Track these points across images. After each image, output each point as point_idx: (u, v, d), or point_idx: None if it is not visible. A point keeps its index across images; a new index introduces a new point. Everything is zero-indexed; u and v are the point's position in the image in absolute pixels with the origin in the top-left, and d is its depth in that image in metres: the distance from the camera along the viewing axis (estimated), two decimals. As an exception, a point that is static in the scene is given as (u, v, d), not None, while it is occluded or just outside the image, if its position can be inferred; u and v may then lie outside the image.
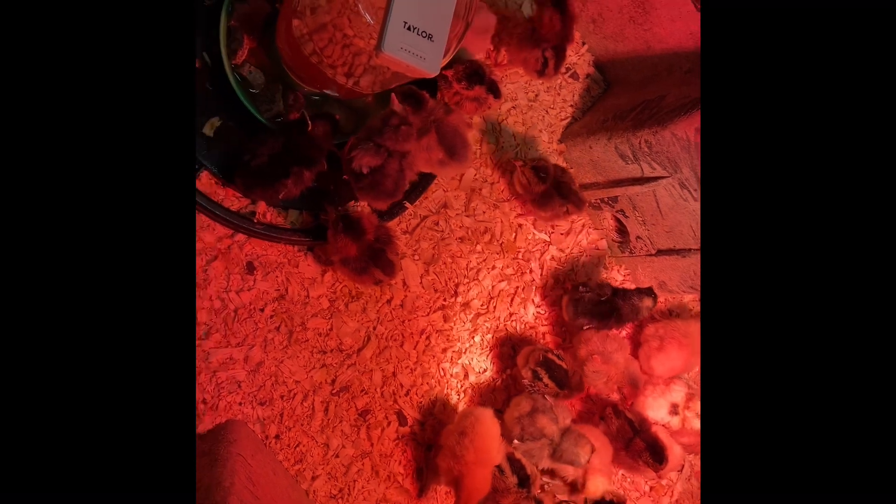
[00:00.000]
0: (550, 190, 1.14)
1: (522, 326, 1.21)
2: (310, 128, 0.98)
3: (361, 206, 1.10)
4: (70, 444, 0.51)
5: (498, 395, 1.18)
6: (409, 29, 0.79)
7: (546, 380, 1.10)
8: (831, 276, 0.57)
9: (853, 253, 0.57)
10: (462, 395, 1.17)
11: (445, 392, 1.16)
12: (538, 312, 1.22)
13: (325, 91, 1.00)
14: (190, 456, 0.55)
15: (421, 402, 1.14)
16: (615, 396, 1.22)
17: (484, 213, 1.19)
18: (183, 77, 0.56)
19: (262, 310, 1.04)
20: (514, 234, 1.21)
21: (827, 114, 0.59)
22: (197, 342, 1.00)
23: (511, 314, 1.21)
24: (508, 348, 1.19)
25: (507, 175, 1.20)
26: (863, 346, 0.56)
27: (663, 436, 1.13)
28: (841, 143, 0.58)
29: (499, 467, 1.02)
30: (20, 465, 0.49)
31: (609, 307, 1.14)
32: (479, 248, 1.19)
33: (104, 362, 0.52)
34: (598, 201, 1.20)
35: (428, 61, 0.81)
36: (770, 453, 0.57)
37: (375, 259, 1.01)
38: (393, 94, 1.01)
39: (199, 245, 1.00)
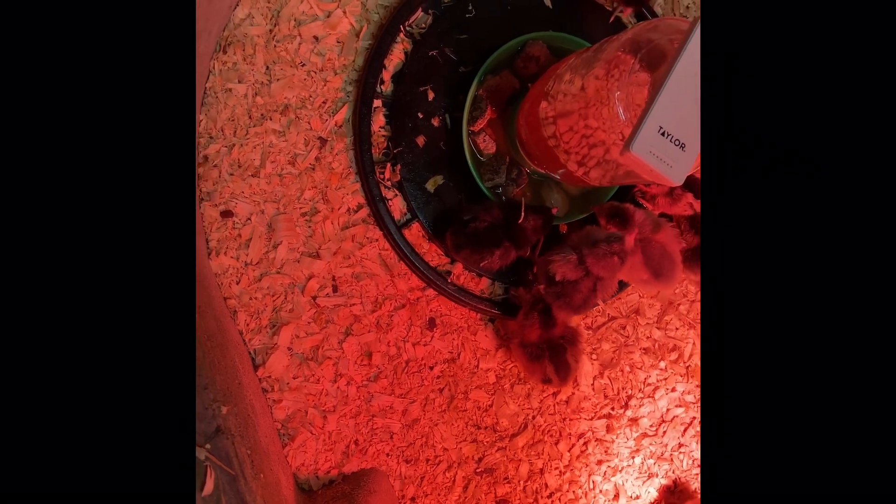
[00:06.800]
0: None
1: (690, 463, 1.10)
2: (521, 219, 0.96)
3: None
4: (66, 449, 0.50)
5: (646, 529, 1.08)
6: (663, 134, 0.76)
7: None
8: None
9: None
10: (607, 515, 1.08)
11: (590, 507, 1.07)
12: (711, 452, 1.11)
13: (550, 173, 1.00)
14: (190, 468, 0.52)
15: (561, 510, 1.06)
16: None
17: (677, 329, 1.11)
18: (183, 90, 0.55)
19: (431, 368, 1.04)
20: (703, 361, 1.11)
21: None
22: (365, 383, 1.01)
23: (681, 445, 1.10)
24: (670, 482, 1.09)
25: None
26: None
27: None
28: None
29: None
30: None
31: None
32: (662, 364, 1.10)
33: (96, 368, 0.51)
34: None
35: (675, 170, 0.76)
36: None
37: (553, 353, 0.97)
38: (598, 215, 0.97)
39: (391, 290, 1.02)
